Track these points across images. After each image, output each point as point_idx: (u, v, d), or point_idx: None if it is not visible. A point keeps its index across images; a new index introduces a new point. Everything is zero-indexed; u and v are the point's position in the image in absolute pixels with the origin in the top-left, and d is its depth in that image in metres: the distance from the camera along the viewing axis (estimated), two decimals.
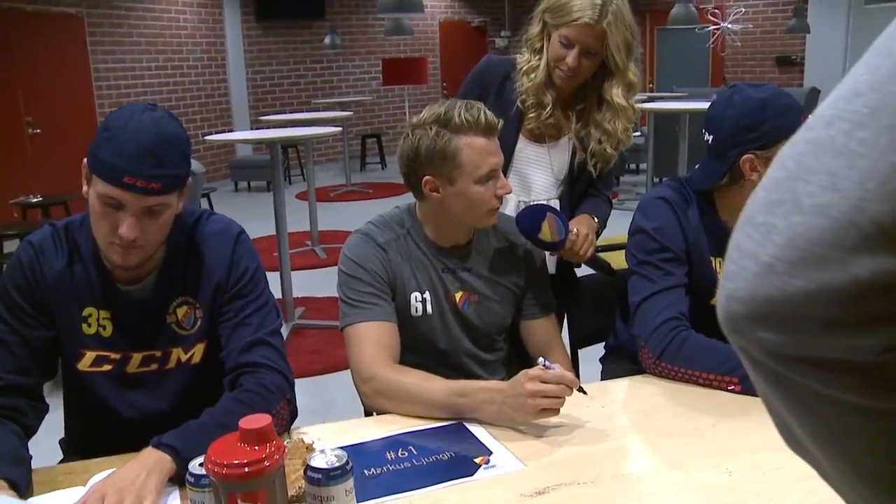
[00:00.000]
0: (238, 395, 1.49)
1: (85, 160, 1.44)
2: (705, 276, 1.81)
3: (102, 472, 1.32)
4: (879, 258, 0.35)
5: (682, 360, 1.66)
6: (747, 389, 1.59)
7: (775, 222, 0.38)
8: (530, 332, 1.92)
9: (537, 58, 2.03)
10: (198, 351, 1.60)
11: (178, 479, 1.29)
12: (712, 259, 1.82)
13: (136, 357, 1.58)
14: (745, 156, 1.69)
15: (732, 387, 1.61)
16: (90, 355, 1.56)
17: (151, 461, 1.29)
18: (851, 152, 0.36)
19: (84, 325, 1.55)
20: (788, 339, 0.38)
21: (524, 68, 2.05)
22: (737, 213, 1.57)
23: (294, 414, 1.58)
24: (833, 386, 0.39)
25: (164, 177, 1.40)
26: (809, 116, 0.41)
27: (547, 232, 1.88)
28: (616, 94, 2.00)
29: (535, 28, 2.04)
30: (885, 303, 0.35)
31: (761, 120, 1.66)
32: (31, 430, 1.48)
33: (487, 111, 1.69)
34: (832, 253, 0.36)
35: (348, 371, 3.99)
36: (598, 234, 2.07)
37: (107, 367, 1.57)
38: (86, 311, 1.55)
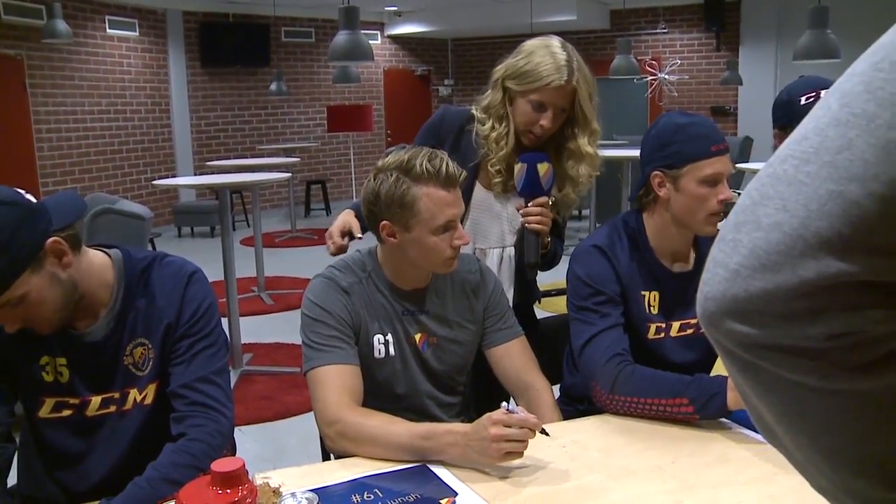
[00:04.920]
0: (183, 446, 1.50)
1: None
2: (639, 313, 1.88)
3: None
4: (821, 262, 0.43)
5: (633, 389, 1.71)
6: (699, 410, 1.64)
7: (741, 238, 0.47)
8: (502, 359, 1.88)
9: (503, 125, 2.03)
10: (150, 391, 1.61)
11: None
12: (647, 293, 1.88)
13: (96, 400, 1.58)
14: (654, 172, 1.82)
15: (685, 408, 1.65)
16: (49, 402, 1.56)
17: None
18: (799, 182, 0.45)
19: (43, 374, 1.55)
20: (753, 330, 0.47)
21: (492, 136, 2.05)
22: (660, 236, 1.68)
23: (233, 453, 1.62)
24: (791, 369, 0.47)
25: None
26: (772, 156, 0.50)
27: (543, 171, 1.95)
28: (583, 143, 2.04)
29: (496, 95, 2.04)
30: (827, 298, 0.44)
31: (671, 142, 1.79)
32: (5, 473, 1.50)
33: (451, 162, 1.71)
34: (784, 259, 0.45)
35: (299, 417, 4.01)
36: (547, 256, 2.11)
37: (66, 413, 1.58)
38: (42, 360, 1.55)
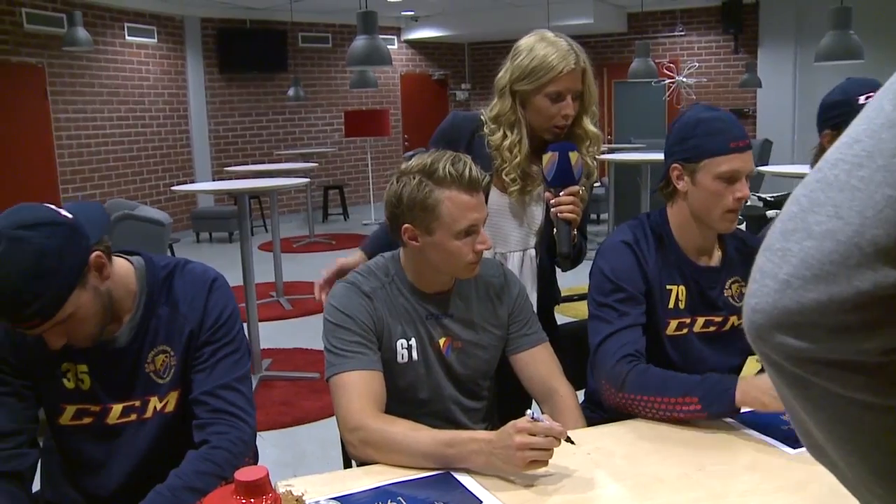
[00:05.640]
0: (206, 454, 1.49)
1: None
2: (662, 309, 1.87)
3: None
4: (878, 273, 0.41)
5: (641, 388, 1.71)
6: (707, 408, 1.62)
7: (790, 247, 0.45)
8: (527, 365, 1.87)
9: (515, 132, 2.03)
10: (171, 399, 1.61)
11: None
12: (674, 288, 1.87)
13: (117, 408, 1.58)
14: (674, 164, 1.83)
15: (693, 406, 1.64)
16: (70, 409, 1.57)
17: None
18: (852, 187, 0.43)
19: (64, 381, 1.55)
20: (805, 343, 0.44)
21: (504, 145, 2.04)
22: (683, 230, 1.65)
23: (255, 460, 1.61)
24: (844, 385, 0.44)
25: (34, 314, 1.36)
26: (820, 160, 0.47)
27: (574, 160, 1.95)
28: (587, 123, 2.05)
29: (505, 103, 2.03)
30: (884, 310, 0.42)
31: (691, 136, 1.79)
32: (30, 479, 1.50)
33: (474, 166, 1.70)
34: (839, 270, 0.42)
35: (318, 423, 4.02)
36: (575, 249, 2.07)
37: (87, 420, 1.58)
38: (63, 367, 1.56)
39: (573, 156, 1.95)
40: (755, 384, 1.60)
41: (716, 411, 1.63)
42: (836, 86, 2.06)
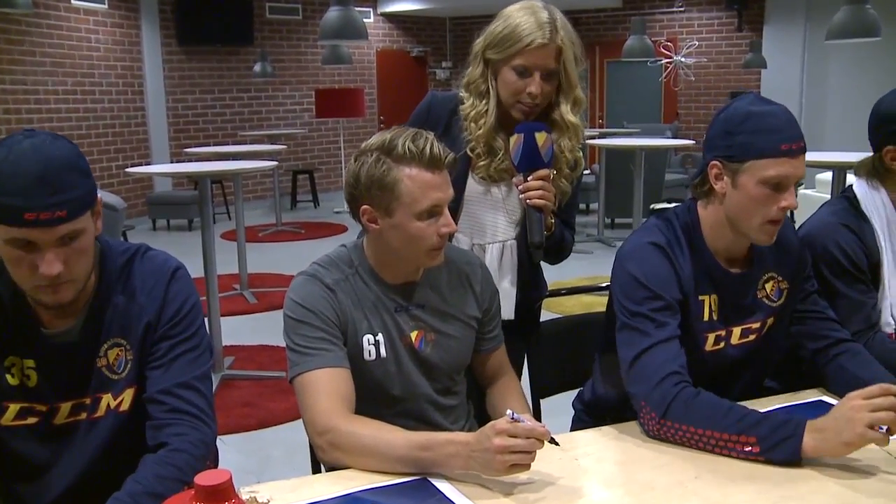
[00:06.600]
0: (166, 457, 1.48)
1: None
2: (697, 322, 1.81)
3: None
4: None
5: (690, 417, 1.60)
6: (766, 452, 1.52)
7: None
8: (482, 361, 1.98)
9: (484, 102, 2.04)
10: (127, 397, 1.59)
11: None
12: (705, 298, 1.81)
13: (65, 407, 1.56)
14: (713, 161, 1.74)
15: (749, 447, 1.54)
16: (13, 408, 1.54)
17: None
18: None
19: (7, 377, 1.52)
20: None
21: (471, 114, 2.05)
22: (716, 233, 1.68)
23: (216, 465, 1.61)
24: None
25: (67, 202, 1.37)
26: None
27: (541, 141, 1.94)
28: (566, 111, 2.04)
29: (476, 70, 2.05)
30: None
31: (738, 131, 1.69)
32: None
33: (436, 143, 1.70)
34: None
35: (284, 426, 4.02)
36: (553, 239, 2.10)
37: (31, 420, 1.55)
38: (7, 362, 1.53)
39: (540, 137, 1.94)
40: (830, 427, 1.49)
41: (775, 458, 1.52)
42: (892, 91, 1.97)
